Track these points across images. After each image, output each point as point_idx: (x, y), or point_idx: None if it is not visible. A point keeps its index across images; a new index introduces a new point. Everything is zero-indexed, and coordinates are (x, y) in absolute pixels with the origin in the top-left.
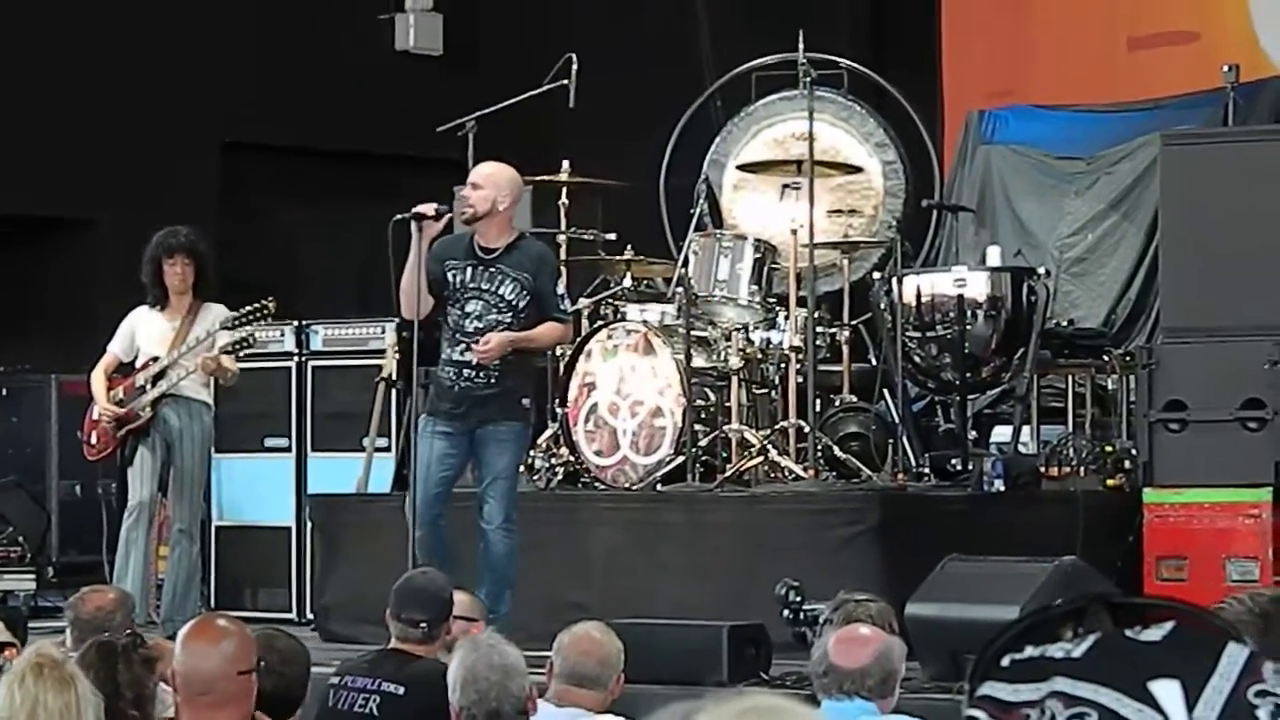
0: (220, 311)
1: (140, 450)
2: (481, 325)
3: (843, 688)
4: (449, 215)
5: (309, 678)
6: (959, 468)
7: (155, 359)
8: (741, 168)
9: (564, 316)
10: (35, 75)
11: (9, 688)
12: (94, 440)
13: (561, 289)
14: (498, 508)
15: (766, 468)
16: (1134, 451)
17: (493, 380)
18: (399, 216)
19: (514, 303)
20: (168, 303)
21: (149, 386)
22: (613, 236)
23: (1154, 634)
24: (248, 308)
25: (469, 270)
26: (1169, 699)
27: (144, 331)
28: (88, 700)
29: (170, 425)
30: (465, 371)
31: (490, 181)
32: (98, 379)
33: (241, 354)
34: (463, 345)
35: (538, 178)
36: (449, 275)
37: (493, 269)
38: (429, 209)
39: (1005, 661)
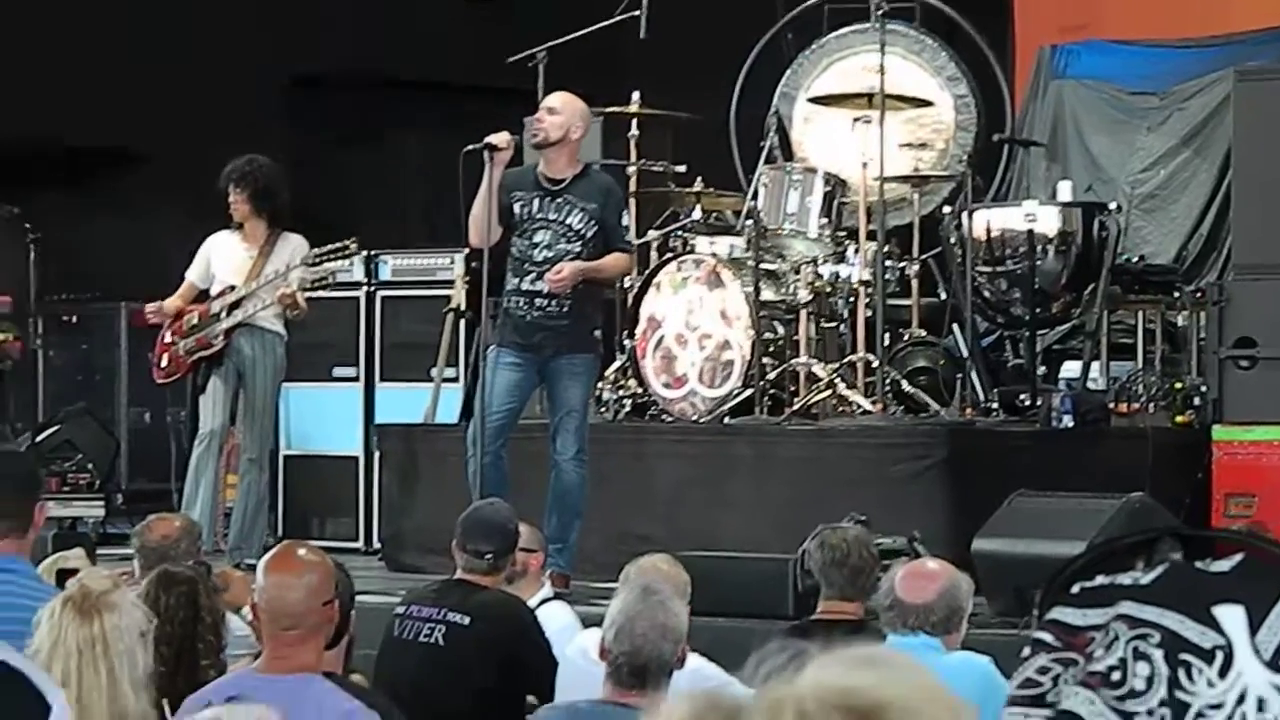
0: (299, 242)
1: (213, 379)
2: (551, 255)
3: (907, 623)
4: (519, 144)
5: (353, 607)
6: (1028, 403)
7: (232, 287)
8: (812, 100)
9: (628, 247)
10: (105, 8)
11: (44, 618)
12: (164, 363)
13: (626, 220)
14: (571, 440)
15: (834, 401)
16: (1203, 388)
17: (565, 309)
18: (470, 147)
19: (582, 232)
20: (243, 231)
21: (224, 314)
22: (682, 169)
23: (1223, 565)
24: (329, 246)
25: (536, 201)
26: (1232, 623)
27: (220, 258)
28: (119, 631)
29: (243, 355)
30: (537, 301)
31: (566, 109)
32: (171, 305)
33: (317, 291)
34: (533, 274)
35: (608, 109)
36: (516, 206)
37: (560, 199)
38: (501, 139)
39: (1075, 589)
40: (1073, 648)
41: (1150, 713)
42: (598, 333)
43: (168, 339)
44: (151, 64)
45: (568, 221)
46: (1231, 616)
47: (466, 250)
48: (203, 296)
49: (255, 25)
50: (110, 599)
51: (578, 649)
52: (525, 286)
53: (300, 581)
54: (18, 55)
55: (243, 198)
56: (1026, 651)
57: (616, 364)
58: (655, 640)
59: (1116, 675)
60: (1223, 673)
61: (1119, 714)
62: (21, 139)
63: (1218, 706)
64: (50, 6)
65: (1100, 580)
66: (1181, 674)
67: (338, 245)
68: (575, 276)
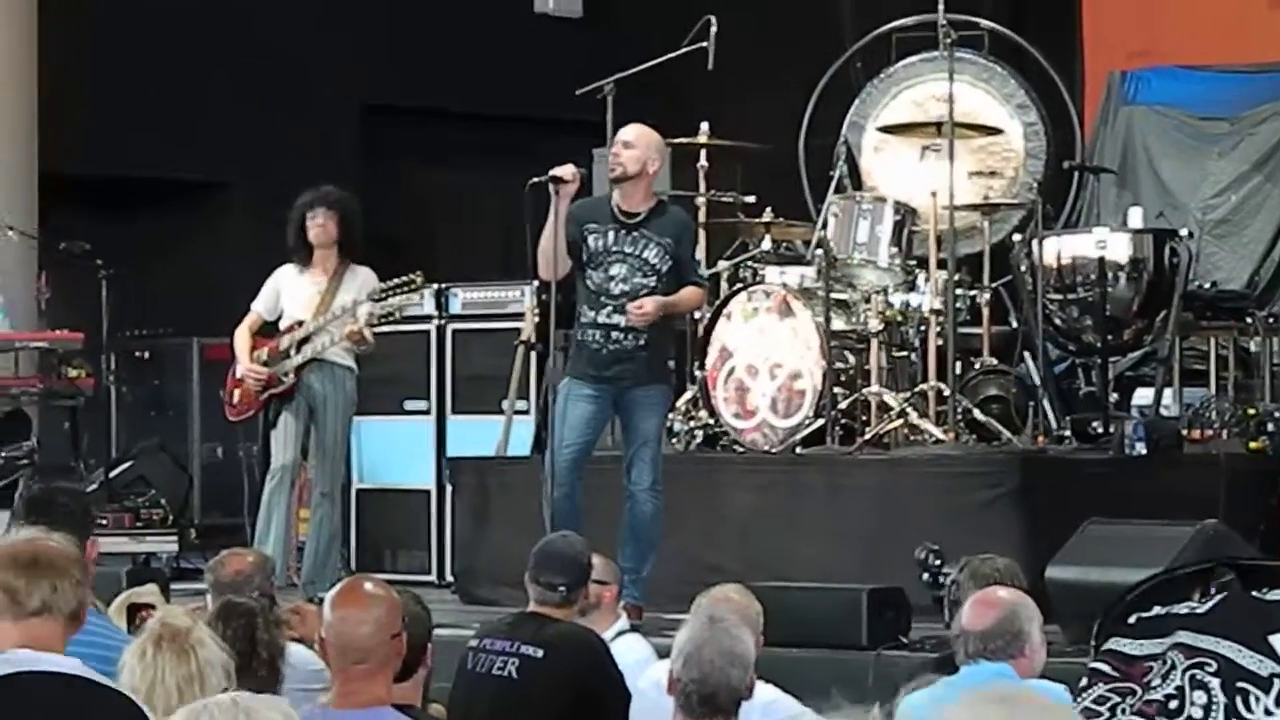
0: (367, 276)
1: (284, 414)
2: (627, 288)
3: (968, 650)
4: (585, 177)
5: (429, 639)
6: (1100, 430)
7: (300, 323)
8: (881, 129)
9: (702, 281)
10: (177, 41)
11: (133, 659)
12: (235, 400)
13: (700, 255)
14: (646, 471)
15: (906, 430)
16: (1277, 414)
17: (641, 342)
18: (535, 179)
19: (657, 267)
20: (311, 263)
21: (294, 351)
22: (752, 199)
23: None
24: (396, 280)
25: (611, 234)
26: None
27: (289, 292)
28: (211, 666)
29: (314, 390)
30: (614, 334)
31: (643, 142)
32: (241, 337)
33: (385, 325)
34: (609, 307)
35: (677, 140)
36: (589, 239)
37: (636, 233)
38: (566, 172)
39: (1132, 619)
40: (1130, 678)
41: None
42: (671, 363)
43: (238, 374)
44: (224, 97)
45: (643, 255)
46: None
47: (536, 283)
48: (268, 327)
49: (327, 57)
50: (198, 635)
51: (651, 681)
52: (601, 319)
53: (368, 616)
54: (88, 91)
55: (334, 222)
56: (1084, 682)
57: (688, 395)
58: (722, 667)
59: (1174, 704)
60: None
61: None
62: (92, 174)
63: None
64: (118, 42)
65: (1157, 611)
66: (1239, 701)
67: (404, 279)
68: (658, 311)
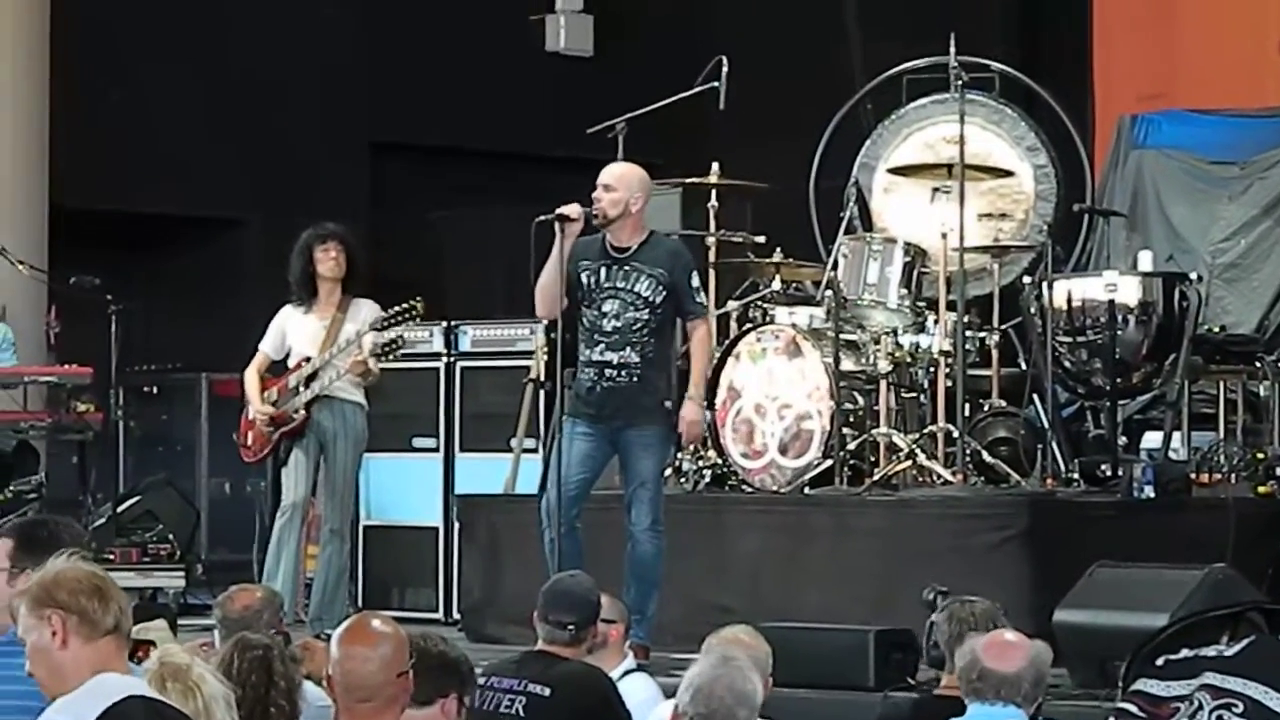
0: (370, 308)
1: (295, 451)
2: (619, 324)
3: (999, 693)
4: (591, 216)
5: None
6: (1109, 474)
7: (307, 359)
8: (892, 171)
9: (700, 309)
10: (187, 78)
11: None
12: (250, 442)
13: (697, 282)
14: (645, 511)
15: (915, 472)
16: None
17: (635, 380)
18: (541, 217)
19: (650, 299)
20: (314, 302)
21: (302, 388)
22: (762, 239)
23: None
24: (395, 309)
25: (603, 270)
26: None
27: (294, 330)
28: (215, 700)
29: (324, 426)
30: (607, 371)
31: (623, 183)
32: (251, 379)
33: (391, 356)
34: (602, 345)
35: (687, 180)
36: (582, 276)
37: (627, 267)
38: (572, 210)
39: (1160, 661)
40: (1157, 718)
41: None
42: (668, 403)
43: (250, 416)
44: (236, 133)
45: (636, 289)
46: None
47: (546, 321)
48: (276, 366)
49: (337, 95)
50: (199, 672)
51: None
52: (595, 356)
53: (375, 653)
54: (100, 126)
55: (343, 255)
56: None
57: None
58: (730, 706)
59: None
60: None
61: None
62: (102, 210)
63: None
64: (128, 78)
65: (1185, 653)
66: None
67: (404, 307)
68: (700, 421)
